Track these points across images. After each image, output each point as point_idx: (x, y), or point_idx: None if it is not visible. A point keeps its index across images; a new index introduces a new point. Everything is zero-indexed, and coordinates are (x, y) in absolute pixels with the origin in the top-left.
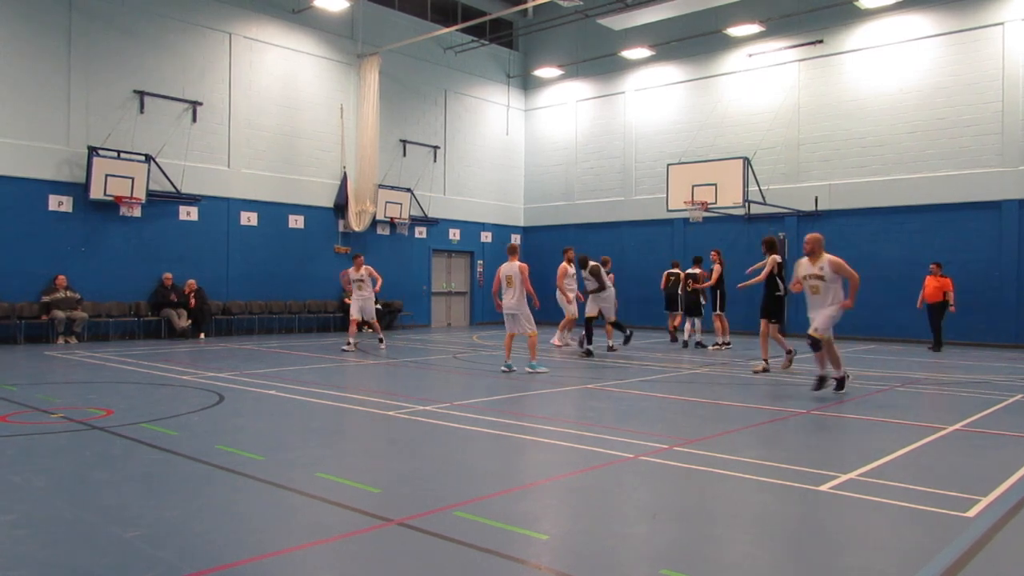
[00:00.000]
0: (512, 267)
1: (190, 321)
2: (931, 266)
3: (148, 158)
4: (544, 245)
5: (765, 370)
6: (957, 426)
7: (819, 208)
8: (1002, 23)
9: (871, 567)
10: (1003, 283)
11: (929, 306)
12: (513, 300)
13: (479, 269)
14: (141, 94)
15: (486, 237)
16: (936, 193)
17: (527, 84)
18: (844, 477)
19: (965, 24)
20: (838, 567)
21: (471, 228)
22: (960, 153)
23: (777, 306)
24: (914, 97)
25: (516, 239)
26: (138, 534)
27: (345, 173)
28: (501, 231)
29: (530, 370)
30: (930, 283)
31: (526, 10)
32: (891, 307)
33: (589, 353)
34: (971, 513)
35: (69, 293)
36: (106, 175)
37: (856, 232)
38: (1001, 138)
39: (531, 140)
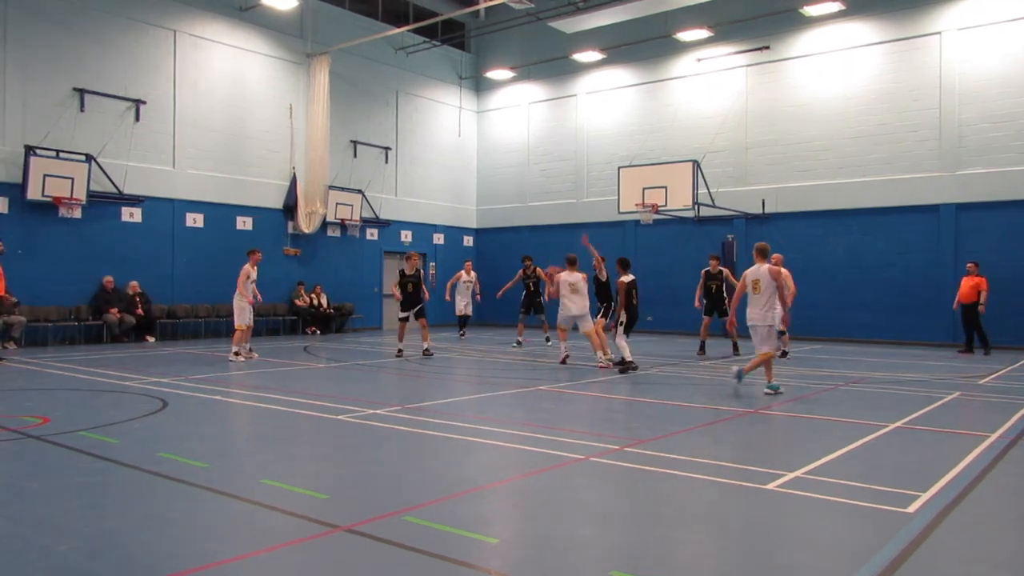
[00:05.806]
0: (760, 271)
1: (134, 325)
2: (968, 266)
3: (89, 158)
4: (497, 247)
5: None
6: (898, 423)
7: (766, 211)
8: (939, 32)
9: (817, 564)
10: (941, 284)
11: (964, 307)
12: (758, 310)
13: (431, 271)
14: (81, 92)
15: (438, 239)
16: (878, 197)
17: (479, 86)
18: (790, 475)
19: (905, 33)
20: (786, 565)
21: (423, 230)
22: (901, 158)
23: None
24: (857, 103)
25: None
26: (72, 547)
27: (295, 174)
28: (453, 233)
29: (769, 391)
30: (965, 283)
31: (478, 12)
32: (837, 308)
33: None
34: (911, 509)
35: (6, 297)
36: (44, 175)
37: (802, 235)
38: (939, 144)
39: (483, 142)
